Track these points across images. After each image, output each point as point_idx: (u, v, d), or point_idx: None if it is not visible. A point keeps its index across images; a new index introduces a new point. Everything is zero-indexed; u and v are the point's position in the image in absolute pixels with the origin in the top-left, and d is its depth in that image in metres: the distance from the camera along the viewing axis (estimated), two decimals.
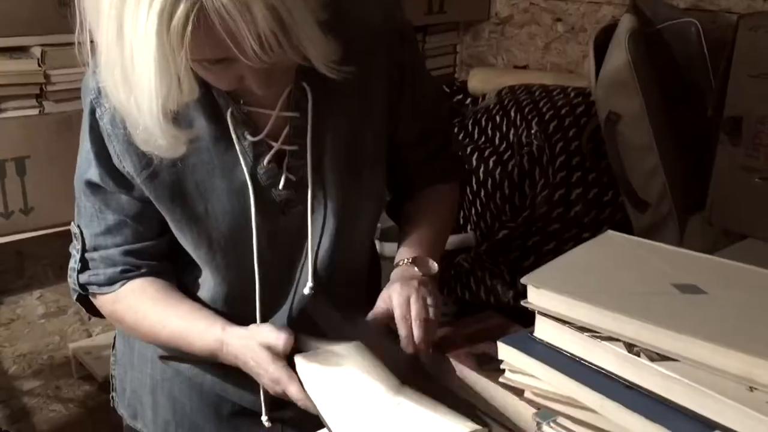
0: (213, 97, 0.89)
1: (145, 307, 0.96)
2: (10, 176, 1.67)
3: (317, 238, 0.97)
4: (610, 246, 0.84)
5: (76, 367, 2.06)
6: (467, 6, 2.34)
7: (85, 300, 1.01)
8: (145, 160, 0.90)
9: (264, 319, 0.97)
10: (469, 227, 1.97)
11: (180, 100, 0.76)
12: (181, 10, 0.68)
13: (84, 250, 0.98)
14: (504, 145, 1.93)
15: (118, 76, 0.76)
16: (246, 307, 0.96)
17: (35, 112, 1.70)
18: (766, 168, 1.40)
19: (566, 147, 1.79)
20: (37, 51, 1.66)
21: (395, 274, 0.99)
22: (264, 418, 1.03)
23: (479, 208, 1.93)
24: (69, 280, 1.00)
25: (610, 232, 0.86)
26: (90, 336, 2.10)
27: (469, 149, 1.96)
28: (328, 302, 0.99)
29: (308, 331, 0.94)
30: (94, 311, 1.03)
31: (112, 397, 1.18)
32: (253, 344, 0.88)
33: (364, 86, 0.95)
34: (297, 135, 0.93)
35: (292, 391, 0.85)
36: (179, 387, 1.08)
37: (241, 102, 0.90)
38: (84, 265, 0.98)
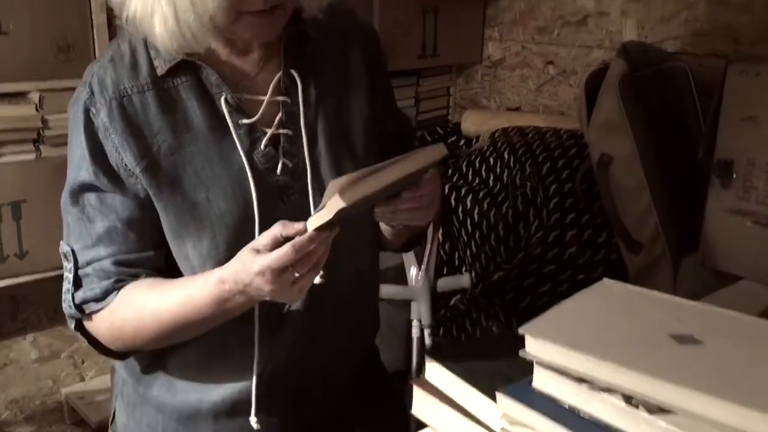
0: (206, 88, 0.95)
1: (142, 297, 0.94)
2: (6, 221, 1.67)
3: None
4: (606, 294, 0.84)
5: (68, 412, 2.03)
6: (460, 49, 2.38)
7: (83, 328, 0.98)
8: (144, 148, 0.93)
9: (266, 313, 0.96)
10: (464, 268, 1.98)
11: None
12: None
13: (76, 267, 0.96)
14: (498, 187, 1.95)
15: None
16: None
17: (32, 156, 1.70)
18: (757, 211, 1.41)
19: (560, 188, 1.81)
20: (35, 96, 1.67)
21: None
22: (253, 419, 0.99)
23: (474, 249, 1.94)
24: (64, 305, 0.98)
25: (606, 280, 0.87)
26: (83, 380, 2.08)
27: (463, 191, 1.98)
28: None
29: (316, 322, 0.98)
30: (95, 343, 0.99)
31: None
32: (241, 257, 0.85)
33: (345, 74, 1.02)
34: (290, 120, 0.97)
35: (282, 253, 0.81)
36: None
37: (235, 91, 0.96)
38: (77, 284, 0.96)
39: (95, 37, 1.71)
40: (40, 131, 1.69)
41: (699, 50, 1.91)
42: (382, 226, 1.05)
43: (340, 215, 0.81)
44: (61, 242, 0.99)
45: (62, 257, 0.99)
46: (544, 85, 2.28)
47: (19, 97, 1.68)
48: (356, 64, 1.04)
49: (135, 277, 0.96)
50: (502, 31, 2.35)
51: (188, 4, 0.85)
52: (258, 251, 0.83)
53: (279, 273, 0.82)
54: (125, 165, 0.93)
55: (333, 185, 0.81)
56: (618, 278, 0.89)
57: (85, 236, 0.96)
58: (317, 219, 0.82)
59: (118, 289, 0.95)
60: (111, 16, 1.73)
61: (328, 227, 0.83)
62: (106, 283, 0.95)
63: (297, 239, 0.82)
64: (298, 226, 0.83)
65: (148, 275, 0.96)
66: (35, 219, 1.71)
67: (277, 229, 0.84)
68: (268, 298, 0.86)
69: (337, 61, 1.02)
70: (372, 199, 0.85)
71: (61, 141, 1.72)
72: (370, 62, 1.05)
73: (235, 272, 0.86)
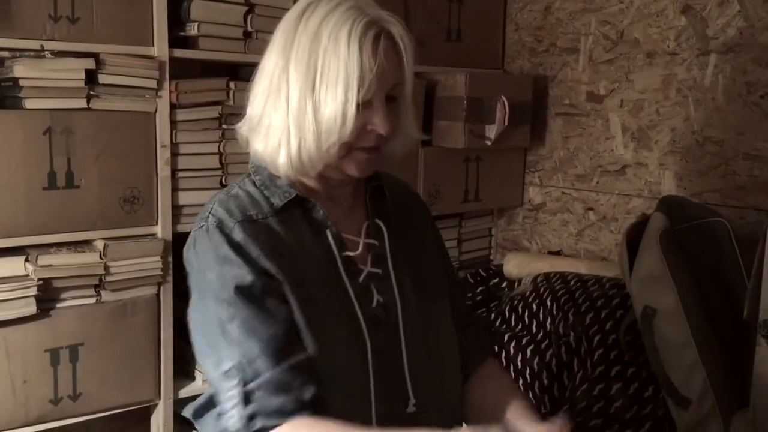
0: (315, 221, 1.08)
1: None
2: (63, 363, 1.73)
3: (410, 354, 1.07)
4: None
5: None
6: (501, 194, 2.46)
7: None
8: (275, 260, 1.02)
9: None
10: None
11: (363, 96, 0.98)
12: (374, 29, 0.99)
13: (244, 384, 0.97)
14: (541, 334, 1.95)
15: (303, 88, 0.99)
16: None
17: (92, 300, 1.77)
18: None
19: (604, 340, 1.81)
20: (99, 244, 1.77)
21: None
22: None
23: None
24: (230, 422, 0.97)
25: None
26: None
27: (506, 336, 1.99)
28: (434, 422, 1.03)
29: None
30: None
31: None
32: None
33: (415, 229, 1.19)
34: (379, 261, 1.11)
35: None
36: None
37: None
38: (247, 400, 0.96)
39: (159, 189, 1.83)
40: (102, 277, 1.77)
41: (738, 203, 1.95)
42: None
43: None
44: (211, 368, 1.01)
45: (222, 378, 0.99)
46: (585, 230, 2.33)
47: (84, 245, 1.78)
48: (422, 221, 1.23)
49: (305, 384, 0.97)
50: (542, 177, 2.43)
51: (313, 138, 1.00)
52: None
53: None
54: (266, 270, 1.02)
55: None
56: None
57: (245, 348, 0.98)
58: None
59: (294, 411, 0.96)
60: (175, 170, 1.85)
61: None
62: (278, 401, 0.96)
63: None
64: None
65: (318, 397, 0.98)
66: (91, 361, 1.76)
67: None
68: None
69: (405, 217, 1.19)
70: None
71: (121, 286, 1.80)
72: (429, 221, 1.26)
73: None
